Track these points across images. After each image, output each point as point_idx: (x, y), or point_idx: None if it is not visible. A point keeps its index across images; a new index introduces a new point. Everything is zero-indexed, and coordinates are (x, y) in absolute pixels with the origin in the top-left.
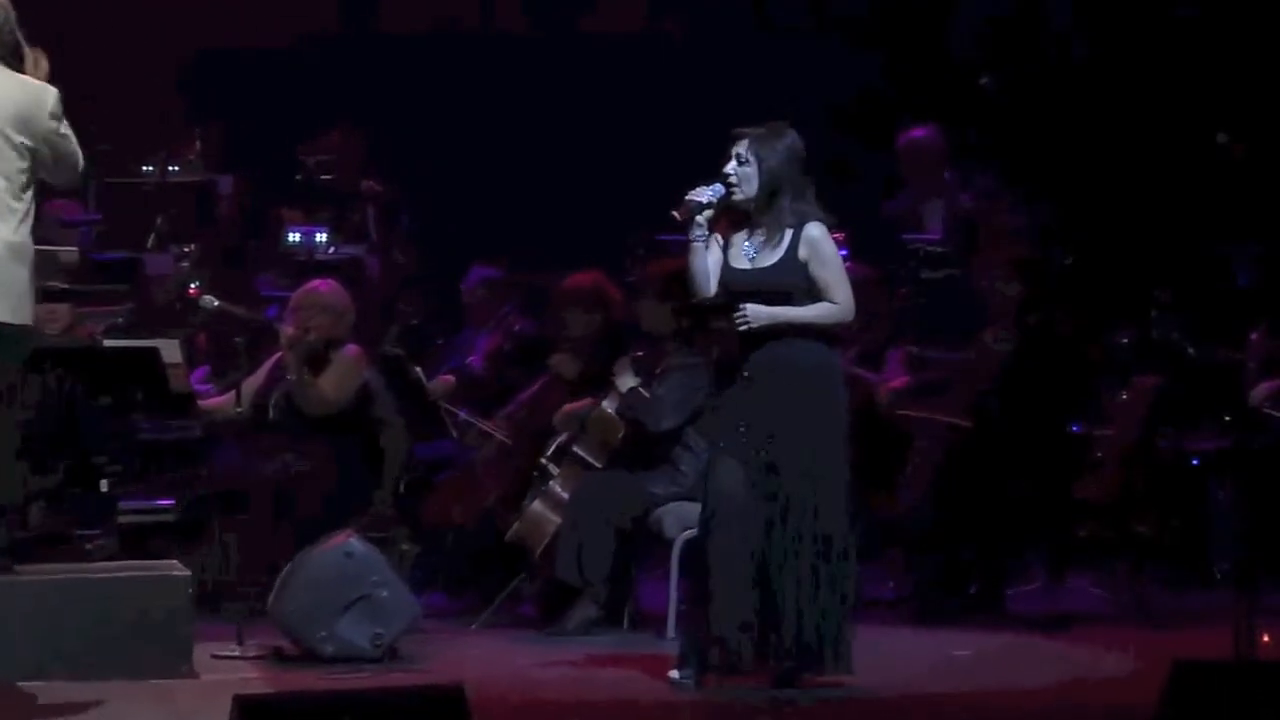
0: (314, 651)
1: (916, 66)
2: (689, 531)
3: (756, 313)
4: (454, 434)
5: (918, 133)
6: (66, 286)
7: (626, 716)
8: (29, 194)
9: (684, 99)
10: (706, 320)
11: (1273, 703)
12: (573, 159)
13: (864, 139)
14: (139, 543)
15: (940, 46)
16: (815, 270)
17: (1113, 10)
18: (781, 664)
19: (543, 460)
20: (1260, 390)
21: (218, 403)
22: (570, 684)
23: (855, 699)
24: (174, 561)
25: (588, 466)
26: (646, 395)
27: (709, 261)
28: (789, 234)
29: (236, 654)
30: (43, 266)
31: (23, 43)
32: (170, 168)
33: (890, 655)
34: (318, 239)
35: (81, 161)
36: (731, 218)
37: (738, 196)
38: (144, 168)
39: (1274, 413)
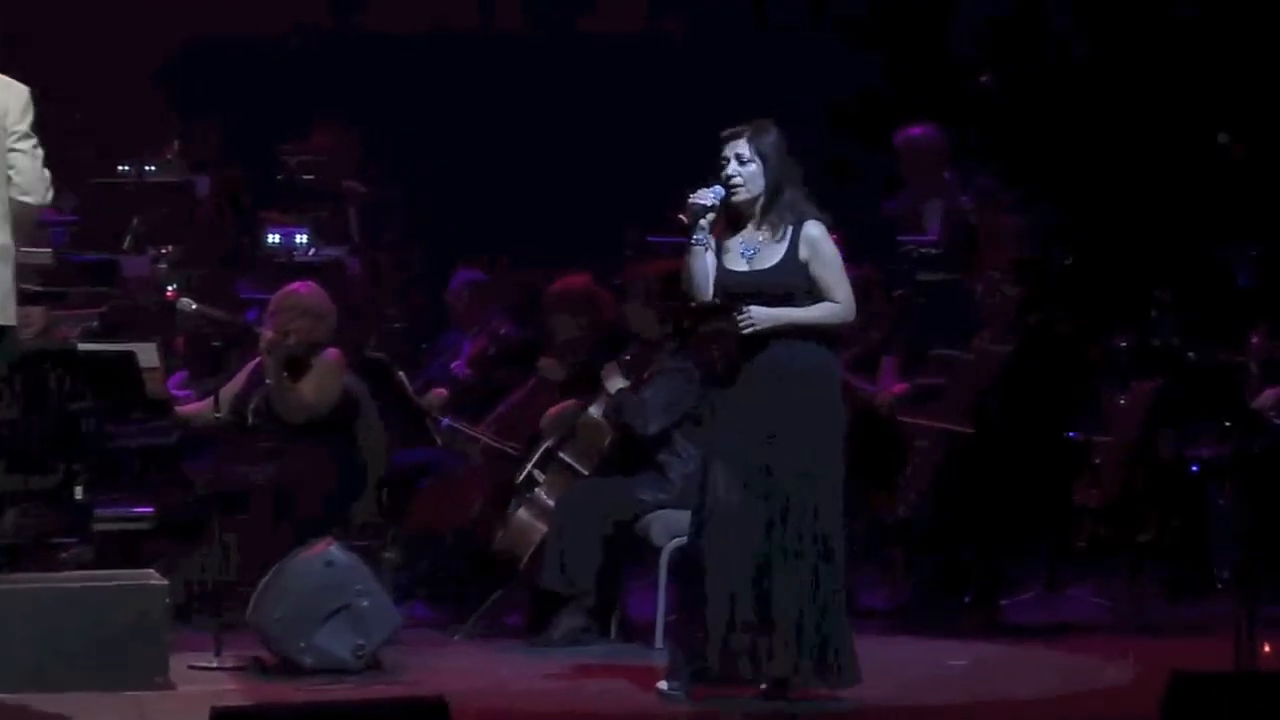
0: (293, 662)
1: (916, 66)
2: (678, 539)
3: (760, 315)
4: (438, 440)
5: (915, 131)
6: (40, 289)
7: None
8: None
9: (683, 99)
10: (703, 323)
11: (1274, 715)
12: (572, 159)
13: (864, 139)
14: (126, 547)
15: (940, 46)
16: (816, 270)
17: (1113, 10)
18: (777, 672)
19: (528, 467)
20: (1267, 396)
21: (196, 408)
22: (556, 695)
23: (849, 710)
24: (150, 570)
25: (574, 473)
26: (635, 397)
27: (710, 260)
28: (789, 232)
29: (214, 665)
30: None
31: None
32: (147, 168)
33: (885, 665)
34: (298, 240)
35: (48, 184)
36: (722, 219)
37: (741, 198)
38: (120, 168)
39: None
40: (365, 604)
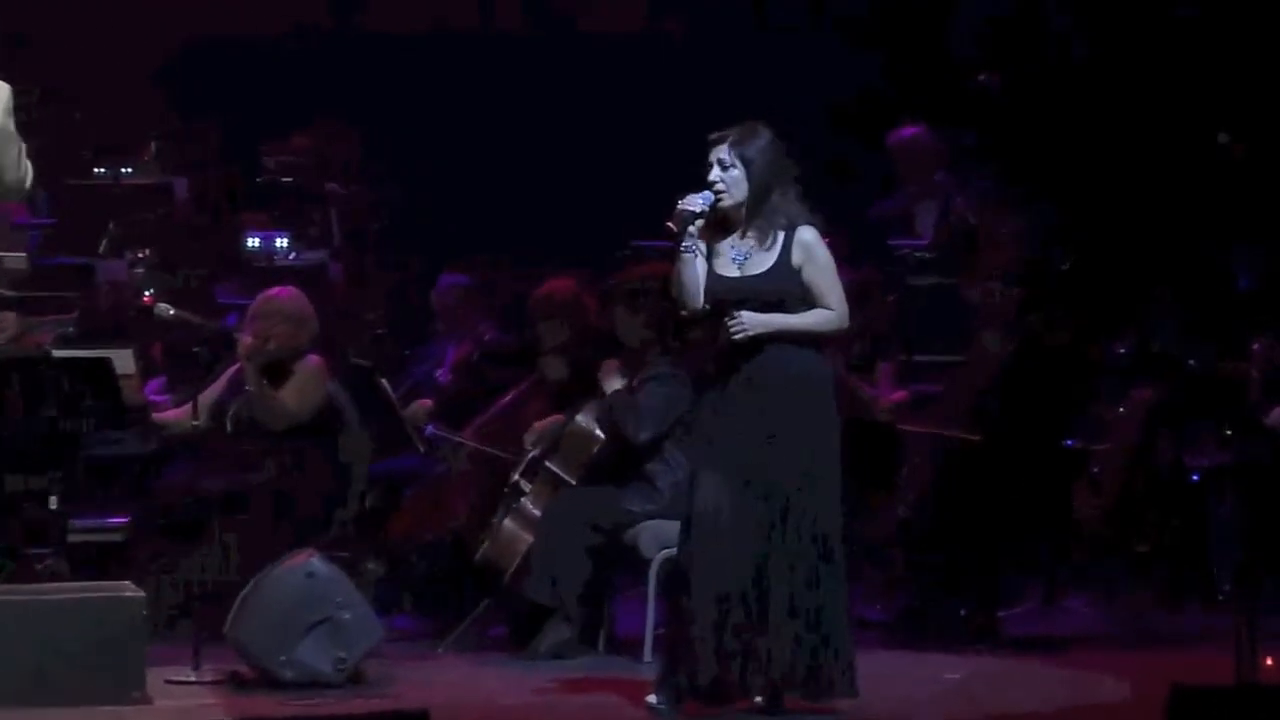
0: (273, 676)
1: (916, 67)
2: (667, 550)
3: (751, 320)
4: (421, 448)
5: (908, 132)
6: (13, 294)
7: None
8: None
9: (683, 99)
10: (694, 331)
11: None
12: (572, 160)
13: (864, 139)
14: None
15: (940, 47)
16: (809, 276)
17: (1113, 10)
18: (774, 673)
19: (514, 476)
20: (1277, 413)
21: (173, 416)
22: (542, 710)
23: None
24: (126, 582)
25: (561, 482)
26: (630, 399)
27: (700, 267)
28: (780, 238)
29: (192, 679)
30: None
31: None
32: (124, 169)
33: (879, 678)
34: (278, 244)
35: (28, 171)
36: (713, 224)
37: (726, 203)
38: (96, 169)
39: None
40: (347, 616)
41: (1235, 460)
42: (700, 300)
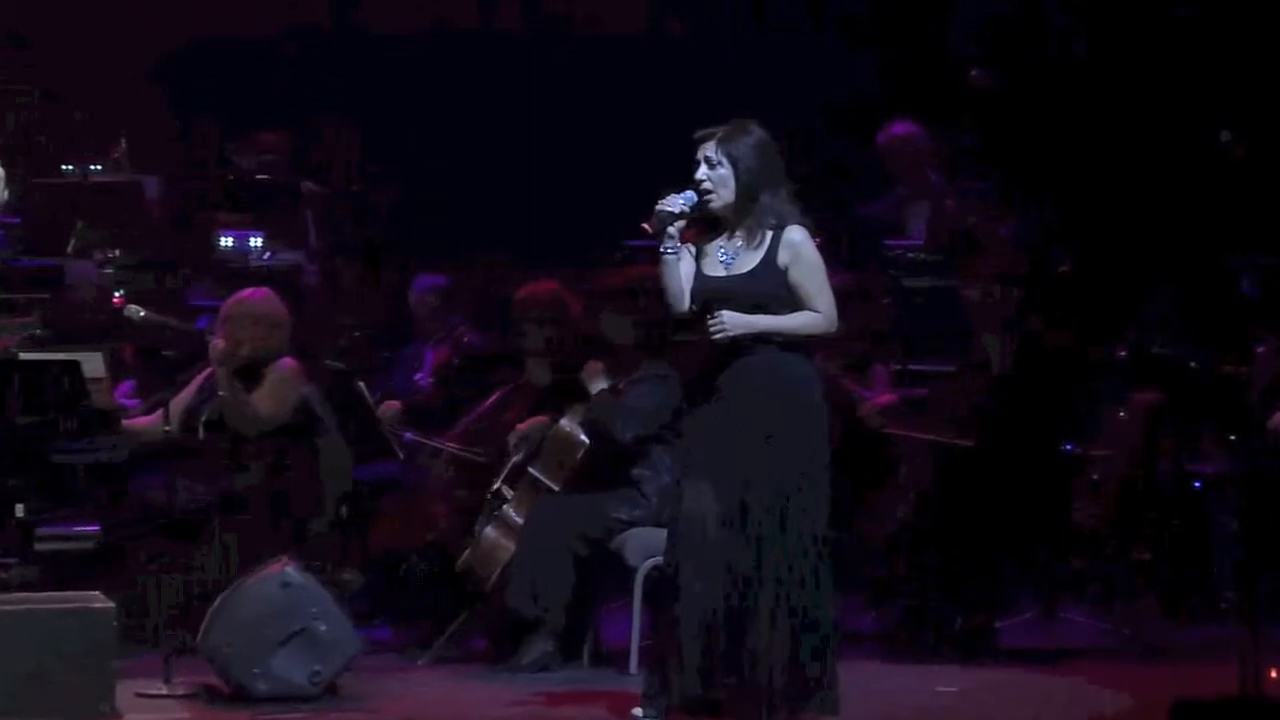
0: (247, 690)
1: (917, 67)
2: (653, 559)
3: (734, 321)
4: (400, 455)
5: (899, 129)
6: None
7: None
8: None
9: (684, 99)
10: (680, 333)
11: None
12: (572, 160)
13: (864, 140)
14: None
15: (940, 47)
16: (796, 277)
17: (1112, 9)
18: (759, 694)
19: (496, 483)
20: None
21: (144, 422)
22: None
23: None
24: (96, 592)
25: (544, 489)
26: (614, 400)
27: (684, 270)
28: (768, 237)
29: (163, 692)
30: None
31: None
32: (92, 167)
33: (870, 692)
34: (252, 244)
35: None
36: (703, 224)
37: (714, 203)
38: (64, 167)
39: None
40: (323, 628)
41: (1238, 466)
42: (685, 303)
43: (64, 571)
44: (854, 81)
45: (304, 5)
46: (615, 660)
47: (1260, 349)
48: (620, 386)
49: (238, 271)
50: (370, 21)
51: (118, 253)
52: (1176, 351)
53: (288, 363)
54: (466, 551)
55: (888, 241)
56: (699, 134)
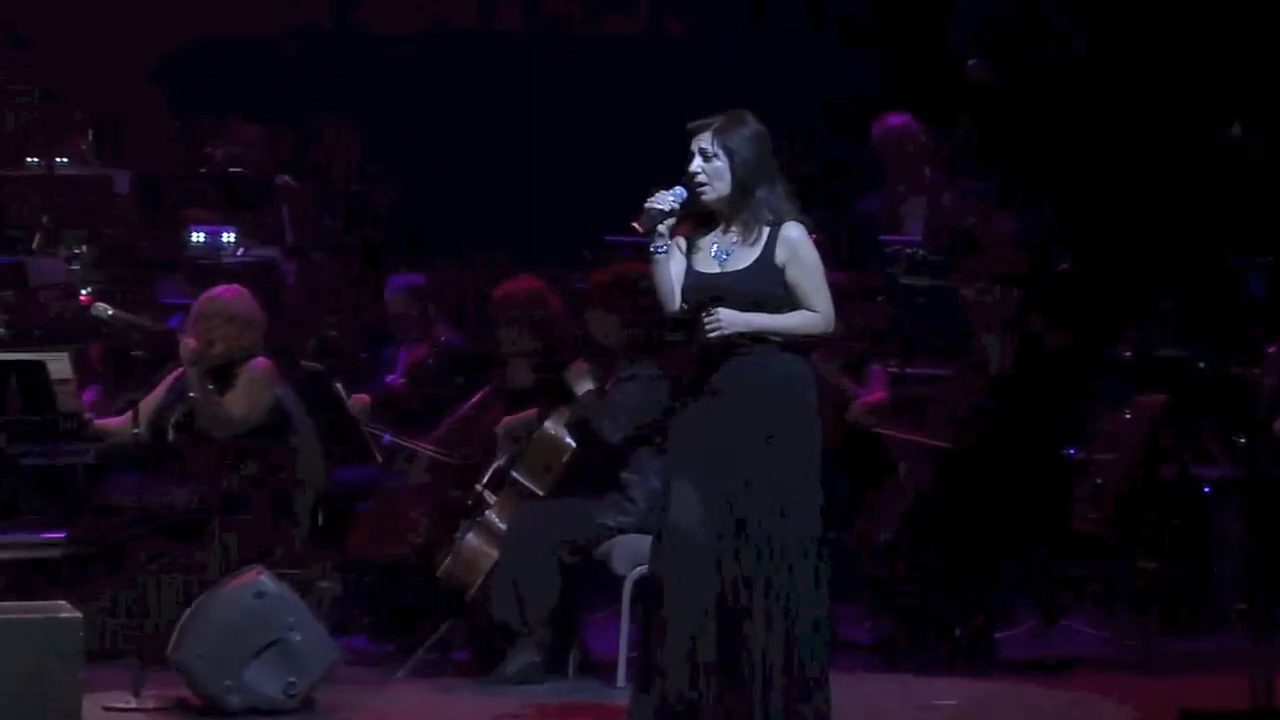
0: (219, 703)
1: (916, 67)
2: (641, 567)
3: (730, 319)
4: (378, 458)
5: (894, 121)
6: None
7: None
8: None
9: (684, 99)
10: (671, 333)
11: None
12: (572, 160)
13: (864, 140)
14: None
15: (940, 47)
16: (793, 275)
17: (1113, 10)
18: (751, 700)
19: (477, 488)
20: None
21: (113, 423)
22: None
23: None
24: (62, 602)
25: (528, 494)
26: (601, 400)
27: (674, 268)
28: (765, 233)
29: (132, 705)
30: None
31: None
32: (58, 160)
33: (865, 704)
34: (224, 239)
35: None
36: (696, 218)
37: (709, 196)
38: (28, 159)
39: None
40: (298, 638)
41: (1245, 471)
42: (676, 302)
43: (33, 580)
44: (854, 81)
45: (304, 5)
46: (602, 672)
47: (1271, 349)
48: (607, 387)
49: (210, 268)
50: (370, 21)
51: (85, 248)
52: (1183, 353)
53: (261, 363)
54: (447, 559)
55: (884, 238)
56: (693, 124)
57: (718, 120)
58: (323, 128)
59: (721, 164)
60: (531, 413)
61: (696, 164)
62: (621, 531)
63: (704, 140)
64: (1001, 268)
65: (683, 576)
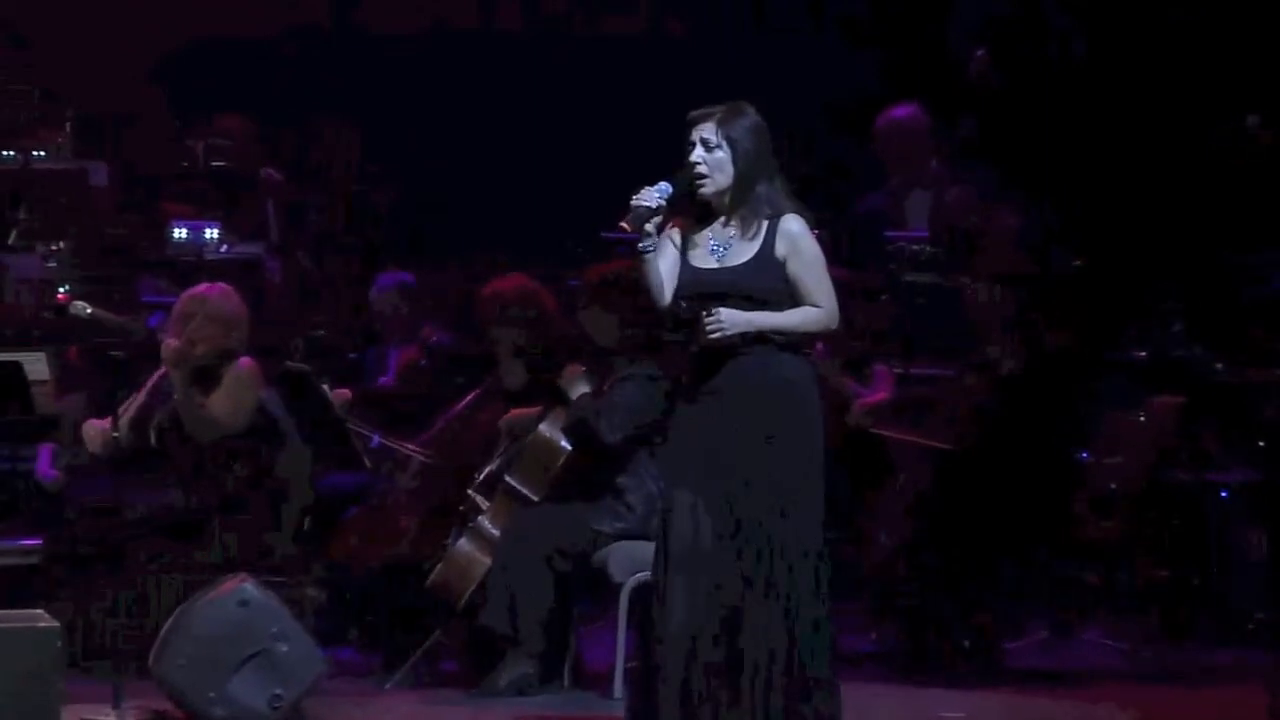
0: (202, 715)
1: (917, 67)
2: (639, 574)
3: (733, 318)
4: (366, 462)
5: (900, 112)
6: None
7: None
8: None
9: (684, 100)
10: (668, 332)
11: None
12: (572, 160)
13: (864, 139)
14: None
15: (940, 46)
16: (795, 270)
17: (1113, 10)
18: (754, 703)
19: (469, 492)
20: None
21: (93, 428)
22: None
23: None
24: (40, 611)
25: (522, 499)
26: (597, 402)
27: (664, 265)
28: (764, 227)
29: (111, 717)
30: None
31: None
32: (35, 153)
33: (873, 716)
34: (207, 236)
35: None
36: (692, 213)
37: (709, 189)
38: (3, 153)
39: None
40: (284, 649)
41: (1264, 477)
42: (667, 296)
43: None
44: (854, 81)
45: (304, 5)
46: (597, 683)
47: None
48: (604, 388)
49: (192, 265)
50: (370, 21)
51: (62, 245)
52: (1199, 355)
53: (245, 363)
54: (438, 566)
55: (890, 234)
56: (694, 114)
57: (719, 110)
58: (323, 128)
59: (724, 155)
60: (536, 410)
61: (698, 154)
62: (618, 538)
63: (706, 130)
64: (1003, 268)
65: (684, 584)
